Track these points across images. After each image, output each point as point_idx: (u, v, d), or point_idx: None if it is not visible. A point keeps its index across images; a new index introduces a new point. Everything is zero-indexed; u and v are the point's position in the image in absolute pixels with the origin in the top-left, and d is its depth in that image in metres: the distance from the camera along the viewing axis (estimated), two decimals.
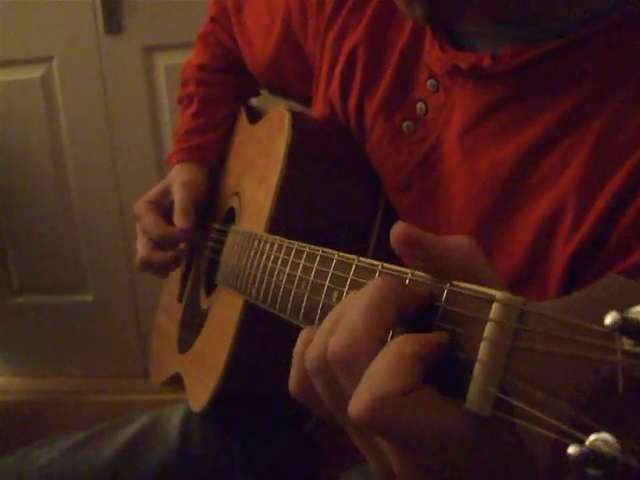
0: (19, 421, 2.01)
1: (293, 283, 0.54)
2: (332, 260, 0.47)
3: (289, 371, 0.42)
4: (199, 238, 0.95)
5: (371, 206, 0.73)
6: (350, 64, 0.74)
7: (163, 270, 0.96)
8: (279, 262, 0.59)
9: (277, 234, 0.63)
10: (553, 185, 0.56)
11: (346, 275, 0.45)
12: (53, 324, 2.09)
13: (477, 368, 0.32)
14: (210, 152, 0.98)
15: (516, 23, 0.57)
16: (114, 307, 2.04)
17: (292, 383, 0.42)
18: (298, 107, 0.87)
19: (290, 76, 0.89)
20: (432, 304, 0.36)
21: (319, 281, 0.49)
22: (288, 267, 0.56)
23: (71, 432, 0.90)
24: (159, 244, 0.91)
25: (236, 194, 0.87)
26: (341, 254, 0.47)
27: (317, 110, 0.81)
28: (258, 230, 0.70)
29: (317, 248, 0.51)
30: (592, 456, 0.25)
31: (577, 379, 0.27)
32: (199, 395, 0.79)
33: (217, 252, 0.86)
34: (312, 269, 0.50)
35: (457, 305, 0.35)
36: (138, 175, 1.88)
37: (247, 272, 0.68)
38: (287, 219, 0.71)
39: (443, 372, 0.34)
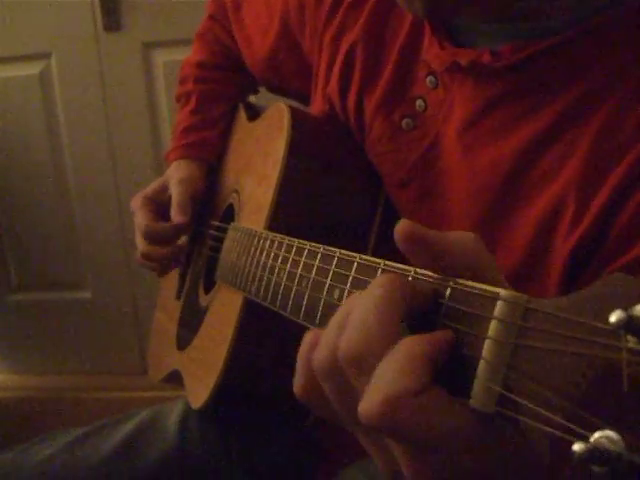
0: (18, 418, 2.01)
1: (294, 281, 0.53)
2: (334, 258, 0.47)
3: (288, 369, 0.42)
4: (195, 235, 0.94)
5: (371, 203, 0.73)
6: (348, 62, 0.74)
7: (161, 266, 0.95)
8: (279, 260, 0.59)
9: (277, 232, 0.63)
10: (553, 181, 0.56)
11: (348, 273, 0.45)
12: (52, 321, 2.09)
13: (481, 366, 0.32)
14: (208, 149, 0.98)
15: (516, 19, 0.57)
16: (113, 304, 2.04)
17: (297, 385, 0.41)
18: (296, 104, 0.86)
19: (288, 74, 0.89)
20: (436, 301, 0.36)
21: (320, 279, 0.49)
22: (289, 265, 0.56)
23: (70, 428, 0.90)
24: (149, 239, 0.90)
25: (235, 191, 0.87)
26: (343, 252, 0.47)
27: (315, 108, 0.81)
28: (258, 228, 0.70)
29: (318, 246, 0.51)
30: (597, 453, 0.25)
31: (581, 377, 0.27)
32: (198, 392, 0.79)
33: (216, 249, 0.86)
34: (313, 267, 0.50)
35: (461, 303, 0.35)
36: (136, 171, 1.88)
37: (247, 270, 0.68)
38: (287, 217, 0.71)
39: (447, 370, 0.34)
